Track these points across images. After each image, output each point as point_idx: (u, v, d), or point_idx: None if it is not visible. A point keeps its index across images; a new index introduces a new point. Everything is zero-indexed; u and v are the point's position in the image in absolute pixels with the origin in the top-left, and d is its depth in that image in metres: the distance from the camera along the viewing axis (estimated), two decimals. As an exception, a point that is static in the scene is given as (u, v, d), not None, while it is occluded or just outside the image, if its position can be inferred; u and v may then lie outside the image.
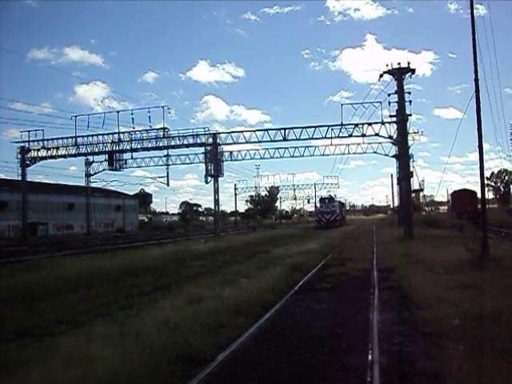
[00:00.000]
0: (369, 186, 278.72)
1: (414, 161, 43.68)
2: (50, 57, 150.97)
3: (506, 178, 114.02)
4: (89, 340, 6.86)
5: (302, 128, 38.37)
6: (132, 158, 46.69)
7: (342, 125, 36.83)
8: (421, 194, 56.45)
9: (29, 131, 43.22)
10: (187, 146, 42.78)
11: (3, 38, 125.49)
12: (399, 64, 32.12)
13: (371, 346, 6.97)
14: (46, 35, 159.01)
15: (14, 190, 47.43)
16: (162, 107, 40.75)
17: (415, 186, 44.81)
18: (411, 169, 37.09)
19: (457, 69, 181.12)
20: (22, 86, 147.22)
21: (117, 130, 41.96)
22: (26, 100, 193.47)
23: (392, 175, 78.89)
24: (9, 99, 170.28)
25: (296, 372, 6.18)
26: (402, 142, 34.09)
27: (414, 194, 47.91)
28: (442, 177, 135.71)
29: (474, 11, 16.54)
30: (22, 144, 44.04)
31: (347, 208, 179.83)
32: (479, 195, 20.30)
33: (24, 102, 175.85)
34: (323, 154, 42.80)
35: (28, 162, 44.48)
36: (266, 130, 40.90)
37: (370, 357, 6.47)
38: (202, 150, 43.92)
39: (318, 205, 70.85)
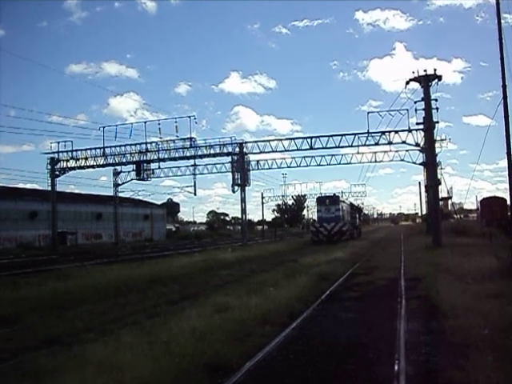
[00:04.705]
0: (397, 194, 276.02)
1: (442, 168, 43.35)
2: (88, 71, 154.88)
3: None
4: (117, 348, 6.95)
5: (329, 136, 38.21)
6: (159, 167, 47.02)
7: (368, 133, 36.59)
8: (449, 201, 55.87)
9: (58, 142, 43.91)
10: (214, 155, 42.88)
11: (46, 54, 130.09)
12: (425, 71, 31.84)
13: (398, 355, 6.92)
14: (85, 51, 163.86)
15: (44, 200, 48.37)
16: (189, 117, 40.91)
17: (443, 193, 44.40)
18: (439, 176, 36.69)
19: (488, 77, 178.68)
20: (59, 100, 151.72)
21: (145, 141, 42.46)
22: (62, 113, 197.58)
23: (420, 183, 78.22)
24: (46, 112, 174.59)
25: (322, 382, 6.18)
26: (429, 149, 33.70)
27: (442, 202, 47.40)
28: (471, 184, 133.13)
29: (502, 21, 16.47)
30: (52, 155, 44.81)
31: (374, 216, 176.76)
32: (509, 202, 20.00)
33: (59, 115, 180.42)
34: (350, 163, 42.53)
35: (57, 173, 45.03)
36: (293, 138, 40.76)
37: (396, 367, 6.43)
38: (229, 159, 44.03)
39: (316, 208, 49.70)
